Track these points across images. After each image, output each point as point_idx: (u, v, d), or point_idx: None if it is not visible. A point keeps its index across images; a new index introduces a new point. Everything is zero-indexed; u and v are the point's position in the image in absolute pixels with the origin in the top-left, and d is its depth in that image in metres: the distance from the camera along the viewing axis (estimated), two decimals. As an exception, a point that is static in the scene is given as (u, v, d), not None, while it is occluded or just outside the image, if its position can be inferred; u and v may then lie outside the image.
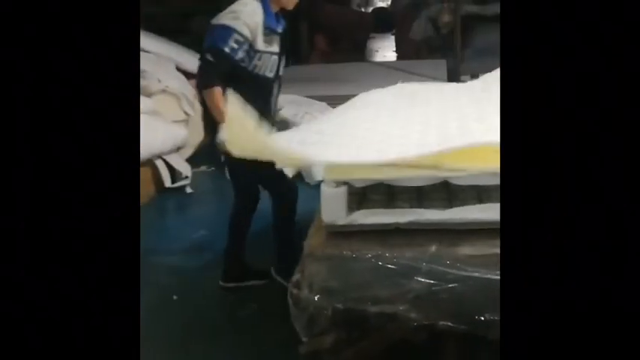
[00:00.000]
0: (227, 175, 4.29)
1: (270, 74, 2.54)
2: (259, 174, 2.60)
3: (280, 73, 2.63)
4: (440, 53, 5.86)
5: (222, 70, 2.40)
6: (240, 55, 2.40)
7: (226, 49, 2.36)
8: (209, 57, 2.39)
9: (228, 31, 2.36)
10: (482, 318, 1.81)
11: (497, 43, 4.63)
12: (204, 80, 2.45)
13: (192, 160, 4.54)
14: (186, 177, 4.34)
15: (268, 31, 2.47)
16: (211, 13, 2.55)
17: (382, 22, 9.81)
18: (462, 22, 5.13)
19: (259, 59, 2.46)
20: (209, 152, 4.62)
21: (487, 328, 1.83)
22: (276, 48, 2.54)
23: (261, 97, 2.46)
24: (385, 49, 9.59)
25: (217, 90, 2.39)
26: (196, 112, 4.73)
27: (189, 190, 4.26)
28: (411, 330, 1.92)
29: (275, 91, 2.63)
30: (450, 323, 1.84)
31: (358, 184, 1.92)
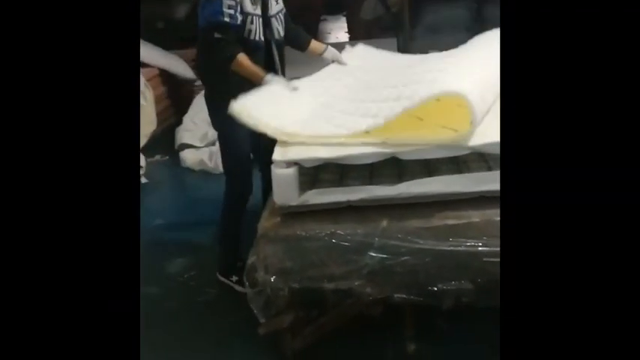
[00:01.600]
0: (182, 163, 4.28)
1: (262, 38, 2.43)
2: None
3: (278, 36, 2.50)
4: (391, 32, 5.89)
5: (232, 40, 2.31)
6: (239, 19, 2.31)
7: (225, 19, 2.27)
8: (216, 34, 2.28)
9: (216, 1, 2.27)
10: (436, 288, 1.86)
11: (446, 20, 4.70)
12: (223, 56, 2.31)
13: (145, 150, 4.48)
14: (140, 167, 4.29)
15: None
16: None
17: (333, 4, 9.78)
18: (411, 1, 5.16)
19: (251, 22, 2.37)
20: (162, 141, 4.59)
21: (441, 297, 1.88)
22: (259, 11, 2.42)
23: (261, 63, 2.39)
24: (337, 31, 9.57)
25: (242, 56, 2.31)
26: (148, 101, 4.67)
27: (143, 179, 4.20)
28: (367, 304, 1.96)
29: (276, 57, 2.51)
30: (404, 295, 1.88)
31: (308, 164, 1.93)
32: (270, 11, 2.45)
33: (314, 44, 2.73)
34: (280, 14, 2.52)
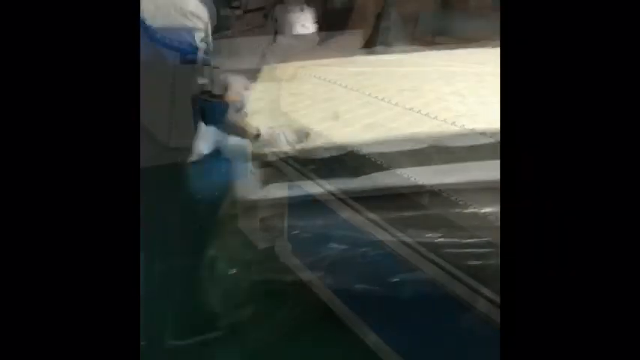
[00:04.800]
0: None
1: None
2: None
3: None
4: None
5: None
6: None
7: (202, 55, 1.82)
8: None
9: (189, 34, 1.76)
10: (394, 279, 1.88)
11: (410, 13, 4.68)
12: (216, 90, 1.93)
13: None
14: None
15: None
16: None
17: (301, -5, 9.75)
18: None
19: None
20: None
21: (400, 288, 1.90)
22: None
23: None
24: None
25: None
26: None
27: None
28: (328, 295, 1.98)
29: None
30: (364, 286, 1.90)
31: (269, 159, 1.93)
32: None
33: None
34: None
